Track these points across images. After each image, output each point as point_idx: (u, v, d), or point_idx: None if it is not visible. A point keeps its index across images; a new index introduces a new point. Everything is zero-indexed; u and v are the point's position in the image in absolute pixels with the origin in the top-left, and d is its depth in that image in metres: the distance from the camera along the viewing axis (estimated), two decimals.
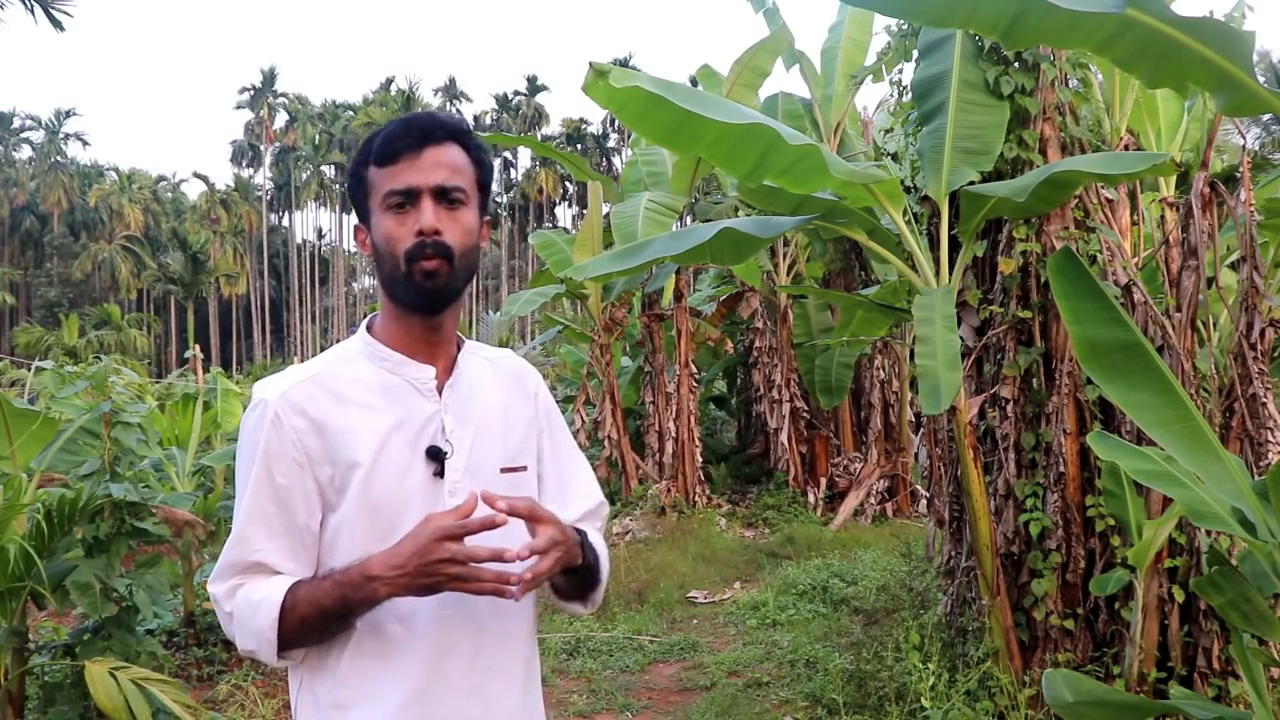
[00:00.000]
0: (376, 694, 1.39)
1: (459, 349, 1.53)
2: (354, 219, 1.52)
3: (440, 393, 1.47)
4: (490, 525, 1.30)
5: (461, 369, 1.51)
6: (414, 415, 1.44)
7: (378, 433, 1.41)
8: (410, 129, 1.41)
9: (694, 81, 12.32)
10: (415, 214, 1.40)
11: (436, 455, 1.43)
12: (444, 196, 1.41)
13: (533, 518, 1.36)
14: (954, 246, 4.21)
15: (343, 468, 1.39)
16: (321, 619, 1.35)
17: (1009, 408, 4.21)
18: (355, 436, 1.40)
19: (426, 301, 1.43)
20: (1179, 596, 3.77)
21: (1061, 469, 4.05)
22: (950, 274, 4.18)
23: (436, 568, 1.29)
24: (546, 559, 1.35)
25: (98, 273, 56.29)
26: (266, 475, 1.39)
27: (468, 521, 1.30)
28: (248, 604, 1.38)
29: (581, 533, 1.49)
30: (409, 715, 1.39)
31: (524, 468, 1.54)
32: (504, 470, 1.50)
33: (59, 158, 63.50)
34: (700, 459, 10.68)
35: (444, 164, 1.41)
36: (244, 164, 71.15)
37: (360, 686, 1.39)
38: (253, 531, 1.40)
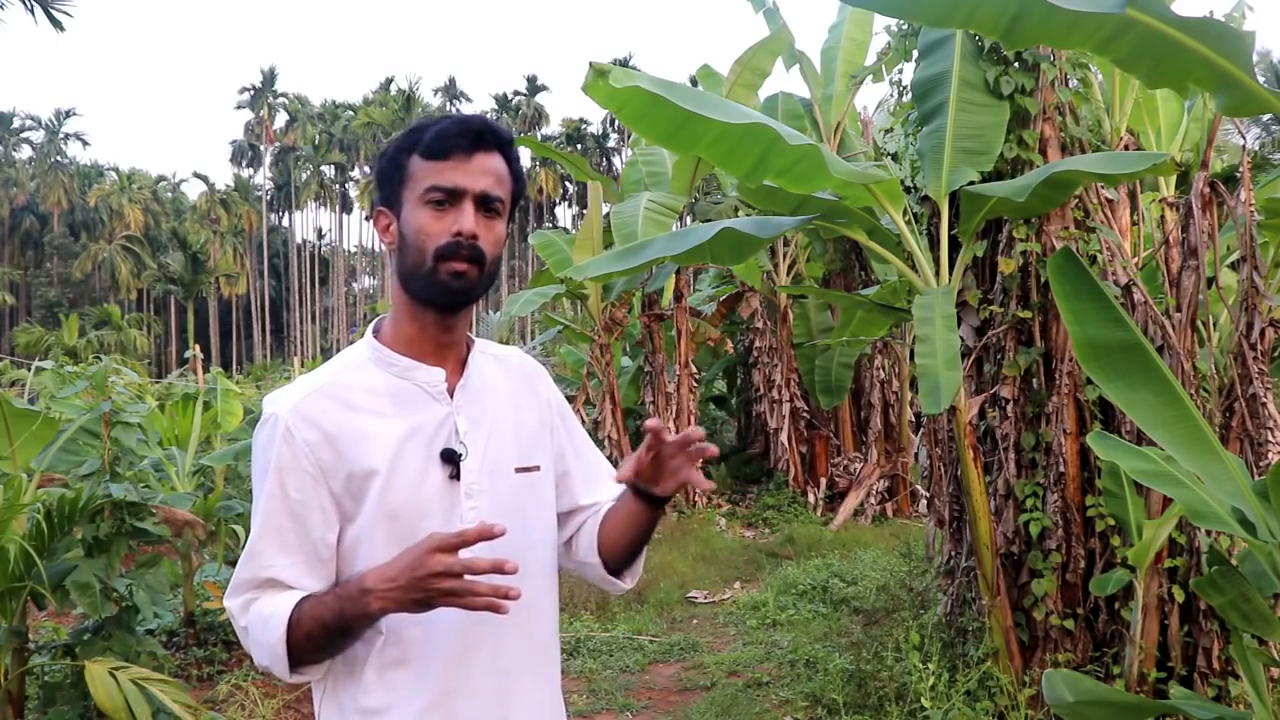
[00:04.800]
0: (399, 699, 1.38)
1: (469, 349, 1.53)
2: (372, 203, 1.50)
3: (451, 394, 1.46)
4: (488, 535, 1.27)
5: (472, 369, 1.50)
6: (427, 420, 1.43)
7: (392, 439, 1.40)
8: (466, 129, 1.41)
9: (694, 81, 12.31)
10: (455, 214, 1.39)
11: (451, 458, 1.42)
12: (485, 204, 1.41)
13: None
14: (954, 246, 4.21)
15: (359, 477, 1.38)
16: (325, 633, 1.33)
17: (1009, 408, 4.21)
18: (369, 444, 1.39)
19: (448, 300, 1.42)
20: (1179, 596, 3.77)
21: (1061, 469, 4.05)
22: (950, 274, 4.18)
23: (428, 581, 1.26)
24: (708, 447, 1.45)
25: (98, 273, 56.28)
26: (280, 490, 1.38)
27: (464, 532, 1.27)
28: (259, 619, 1.36)
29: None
30: (432, 719, 1.39)
31: (537, 467, 1.53)
32: (518, 470, 1.50)
33: (59, 158, 63.54)
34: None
35: (490, 171, 1.42)
36: (244, 164, 71.17)
37: (383, 692, 1.39)
38: (267, 547, 1.38)
